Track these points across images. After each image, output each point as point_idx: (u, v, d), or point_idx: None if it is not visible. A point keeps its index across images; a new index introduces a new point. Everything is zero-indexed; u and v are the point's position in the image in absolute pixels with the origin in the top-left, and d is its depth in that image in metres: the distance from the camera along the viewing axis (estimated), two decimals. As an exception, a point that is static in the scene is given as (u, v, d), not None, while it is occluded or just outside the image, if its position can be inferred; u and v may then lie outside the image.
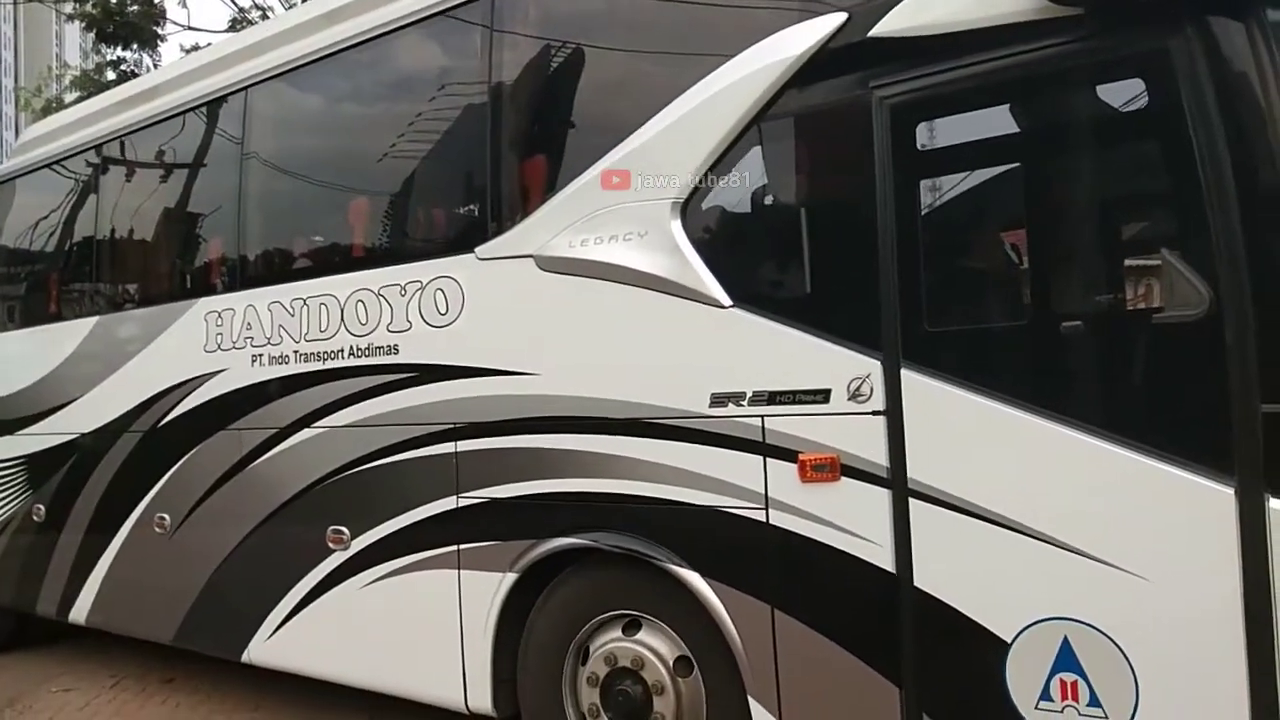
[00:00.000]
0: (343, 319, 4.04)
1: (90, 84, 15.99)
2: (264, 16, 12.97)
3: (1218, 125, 2.26)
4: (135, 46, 15.39)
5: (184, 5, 18.46)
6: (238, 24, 14.06)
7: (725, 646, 2.98)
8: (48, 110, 16.52)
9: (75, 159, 5.79)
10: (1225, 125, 2.25)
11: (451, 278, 3.68)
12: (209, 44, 14.68)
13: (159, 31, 15.29)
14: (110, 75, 15.85)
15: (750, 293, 2.98)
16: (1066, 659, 2.43)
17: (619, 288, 3.20)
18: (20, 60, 72.80)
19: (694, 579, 3.04)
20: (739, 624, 2.95)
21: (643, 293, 3.15)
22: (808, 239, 2.93)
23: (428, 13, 3.85)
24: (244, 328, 4.48)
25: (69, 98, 16.61)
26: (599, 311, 3.27)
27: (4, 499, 5.95)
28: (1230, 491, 2.23)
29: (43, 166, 6.06)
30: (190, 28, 20.10)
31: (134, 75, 15.20)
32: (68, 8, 16.44)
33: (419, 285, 3.77)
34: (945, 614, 2.58)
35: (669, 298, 3.09)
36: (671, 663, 3.17)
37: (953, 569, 2.59)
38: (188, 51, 14.92)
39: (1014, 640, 2.49)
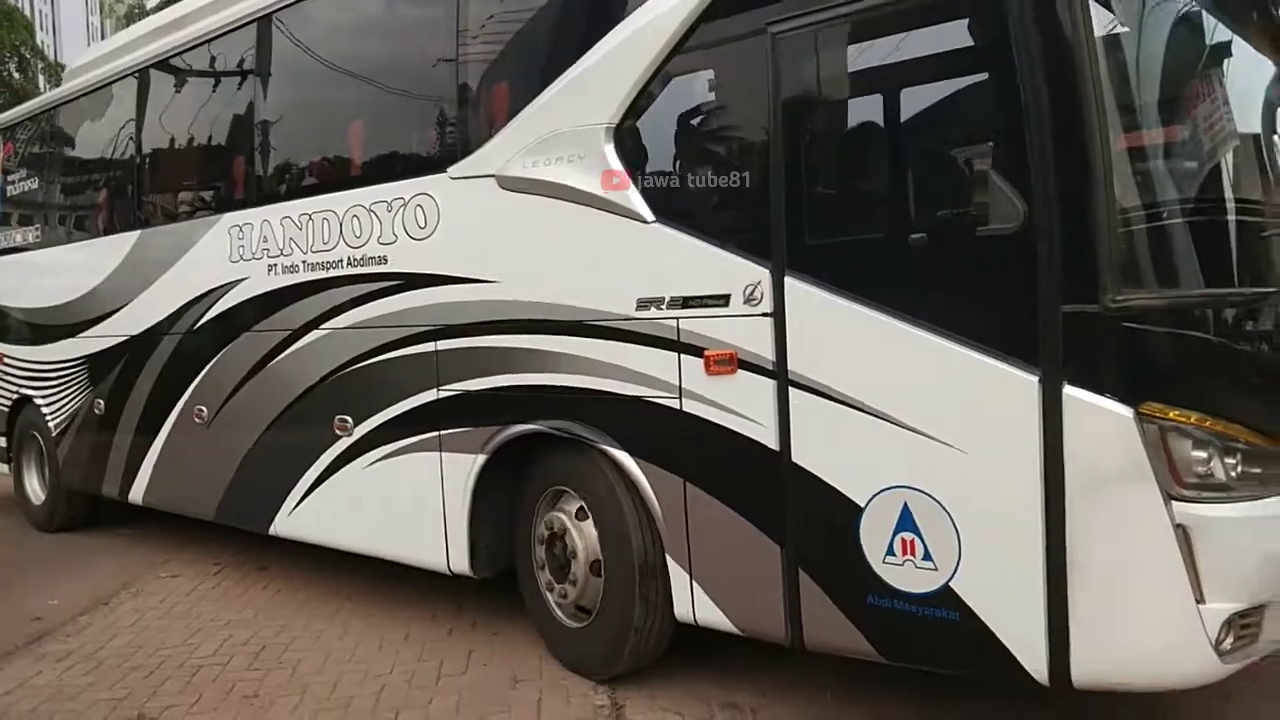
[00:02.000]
0: (341, 232, 4.54)
1: (170, -11, 16.46)
2: None
3: (1036, 60, 2.57)
4: (216, -50, 15.72)
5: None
6: None
7: (627, 511, 3.53)
8: (130, 17, 16.98)
9: (114, 86, 6.33)
10: (1042, 60, 2.57)
11: (429, 195, 4.14)
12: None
13: None
14: None
15: (668, 209, 3.37)
16: (906, 521, 2.87)
17: (563, 204, 3.62)
18: (104, -32, 73.81)
19: (624, 458, 3.53)
20: (659, 495, 3.44)
21: (582, 209, 3.56)
22: (714, 161, 3.32)
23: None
24: (261, 240, 5.01)
25: (151, 3, 16.99)
26: (547, 225, 3.70)
27: (70, 394, 6.69)
28: (1035, 379, 2.61)
29: (84, 94, 6.62)
30: None
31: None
32: None
33: (403, 201, 4.24)
34: (814, 484, 3.03)
35: (603, 213, 3.50)
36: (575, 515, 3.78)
37: (820, 445, 3.03)
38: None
39: (866, 505, 2.94)
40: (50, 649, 4.42)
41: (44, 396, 6.99)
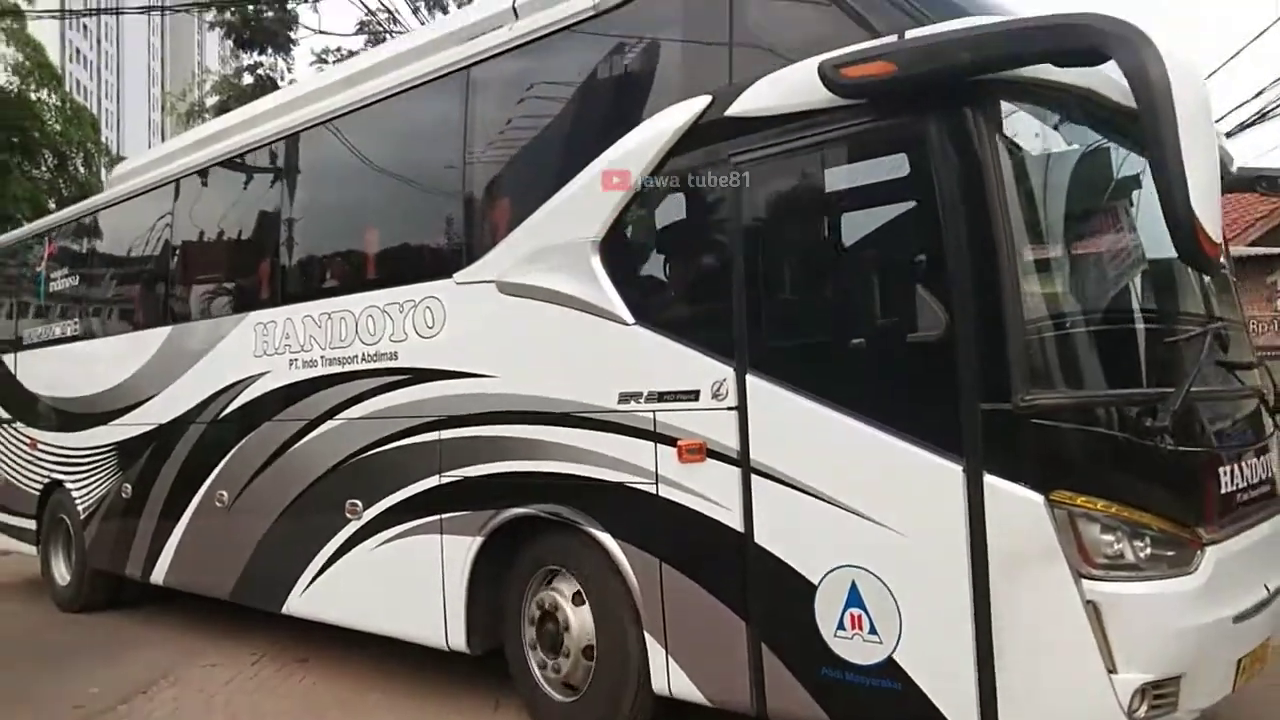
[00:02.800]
0: (357, 330, 4.96)
1: (229, 88, 17.42)
2: (392, 19, 13.80)
3: (954, 190, 2.97)
4: (270, 51, 16.66)
5: (315, 10, 19.56)
6: (365, 26, 14.90)
7: (612, 590, 3.81)
8: (191, 114, 18.00)
9: (149, 194, 6.90)
10: (958, 190, 2.97)
11: (436, 297, 4.56)
12: (338, 48, 15.70)
13: (292, 36, 16.41)
14: (247, 79, 17.19)
15: (646, 313, 3.76)
16: (854, 597, 3.16)
17: (555, 308, 4.02)
18: (166, 68, 77.71)
19: (607, 539, 3.84)
20: (637, 574, 3.74)
21: (571, 312, 3.96)
22: (685, 271, 3.72)
23: (417, 82, 4.75)
24: (283, 337, 5.44)
25: (210, 101, 18.00)
26: (541, 326, 4.10)
27: (99, 479, 7.08)
28: (960, 469, 2.94)
29: (122, 200, 7.21)
30: (321, 32, 21.43)
31: (269, 79, 16.48)
32: (209, 16, 17.86)
33: (413, 303, 4.66)
34: (775, 563, 3.34)
35: (590, 316, 3.89)
36: (570, 596, 4.03)
37: (779, 528, 3.34)
38: (318, 55, 16.16)
39: (819, 583, 3.24)
40: (89, 739, 4.47)
41: (74, 481, 7.38)
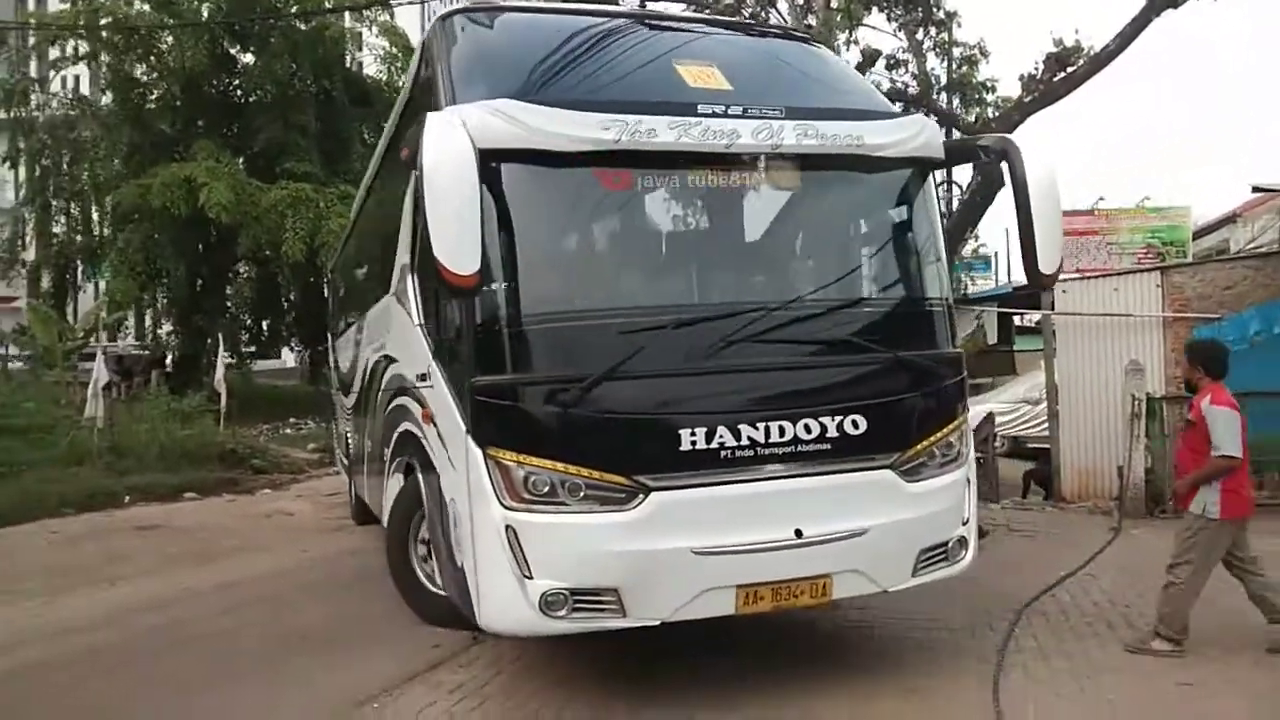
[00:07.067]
0: (372, 328, 7.02)
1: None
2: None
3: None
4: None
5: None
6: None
7: None
8: None
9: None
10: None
11: (388, 306, 6.43)
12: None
13: None
14: None
15: (421, 318, 5.28)
16: (453, 518, 4.46)
17: (404, 311, 5.68)
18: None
19: (419, 475, 5.45)
20: (427, 498, 5.30)
21: (405, 314, 5.60)
22: (422, 290, 5.16)
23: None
24: (366, 332, 7.69)
25: None
26: (402, 324, 5.77)
27: (346, 431, 10.05)
28: (465, 430, 4.15)
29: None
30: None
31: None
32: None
33: (386, 309, 6.59)
34: (443, 494, 4.72)
35: (410, 319, 5.50)
36: None
37: (444, 468, 4.71)
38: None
39: (449, 506, 4.57)
40: (444, 679, 4.96)
41: (345, 431, 10.49)
